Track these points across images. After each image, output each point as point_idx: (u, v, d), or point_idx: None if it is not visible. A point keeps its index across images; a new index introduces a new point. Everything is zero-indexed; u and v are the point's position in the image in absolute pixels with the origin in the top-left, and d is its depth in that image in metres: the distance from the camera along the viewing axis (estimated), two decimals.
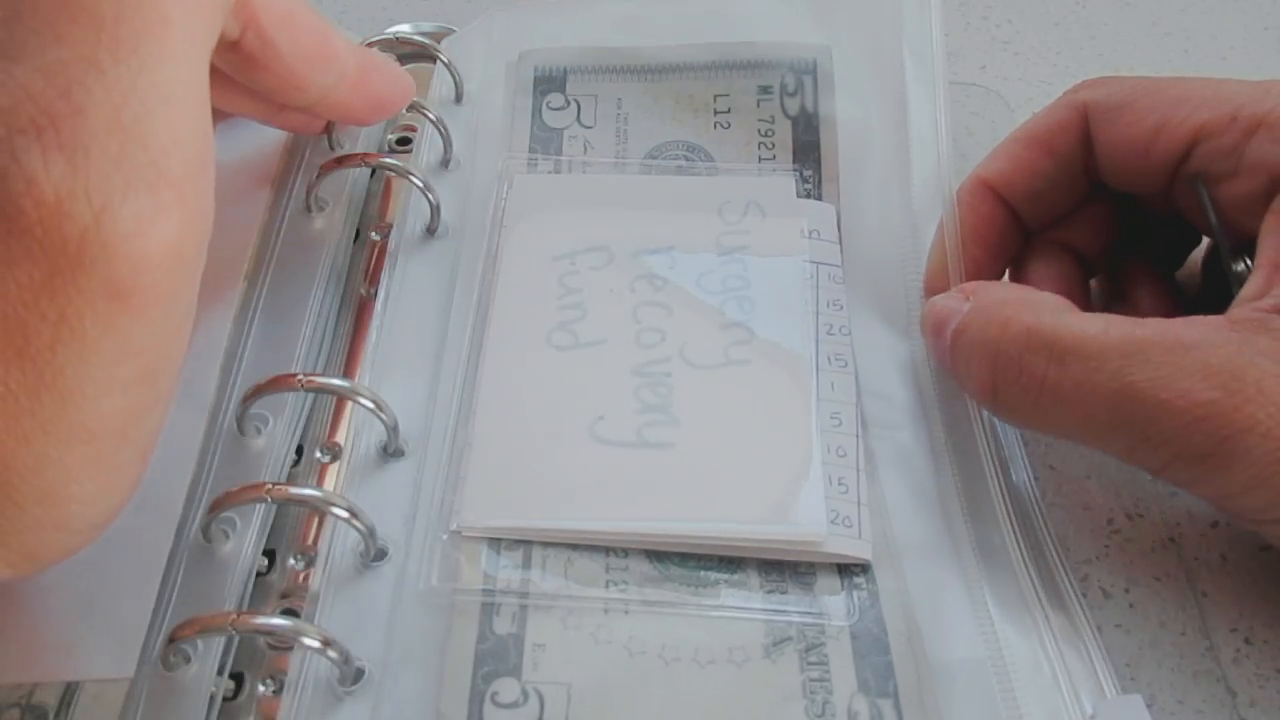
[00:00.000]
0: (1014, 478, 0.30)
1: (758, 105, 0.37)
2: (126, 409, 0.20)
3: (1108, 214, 0.32)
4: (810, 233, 0.34)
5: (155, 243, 0.18)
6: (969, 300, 0.29)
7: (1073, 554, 0.29)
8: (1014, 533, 0.28)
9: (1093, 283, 0.34)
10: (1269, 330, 0.24)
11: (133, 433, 0.21)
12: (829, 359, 0.31)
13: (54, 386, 0.18)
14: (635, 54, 0.38)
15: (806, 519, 0.28)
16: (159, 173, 0.18)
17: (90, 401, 0.19)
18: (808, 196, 0.35)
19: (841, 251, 0.34)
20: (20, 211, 0.17)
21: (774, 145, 0.36)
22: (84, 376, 0.19)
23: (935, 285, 0.32)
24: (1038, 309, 0.28)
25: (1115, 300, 0.33)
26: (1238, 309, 0.25)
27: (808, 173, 0.36)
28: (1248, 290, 0.26)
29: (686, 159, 0.36)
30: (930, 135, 0.35)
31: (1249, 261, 0.28)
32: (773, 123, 0.37)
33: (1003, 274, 0.33)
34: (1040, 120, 0.32)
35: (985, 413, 0.30)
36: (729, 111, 0.37)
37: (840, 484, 0.29)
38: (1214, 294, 0.29)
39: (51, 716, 0.25)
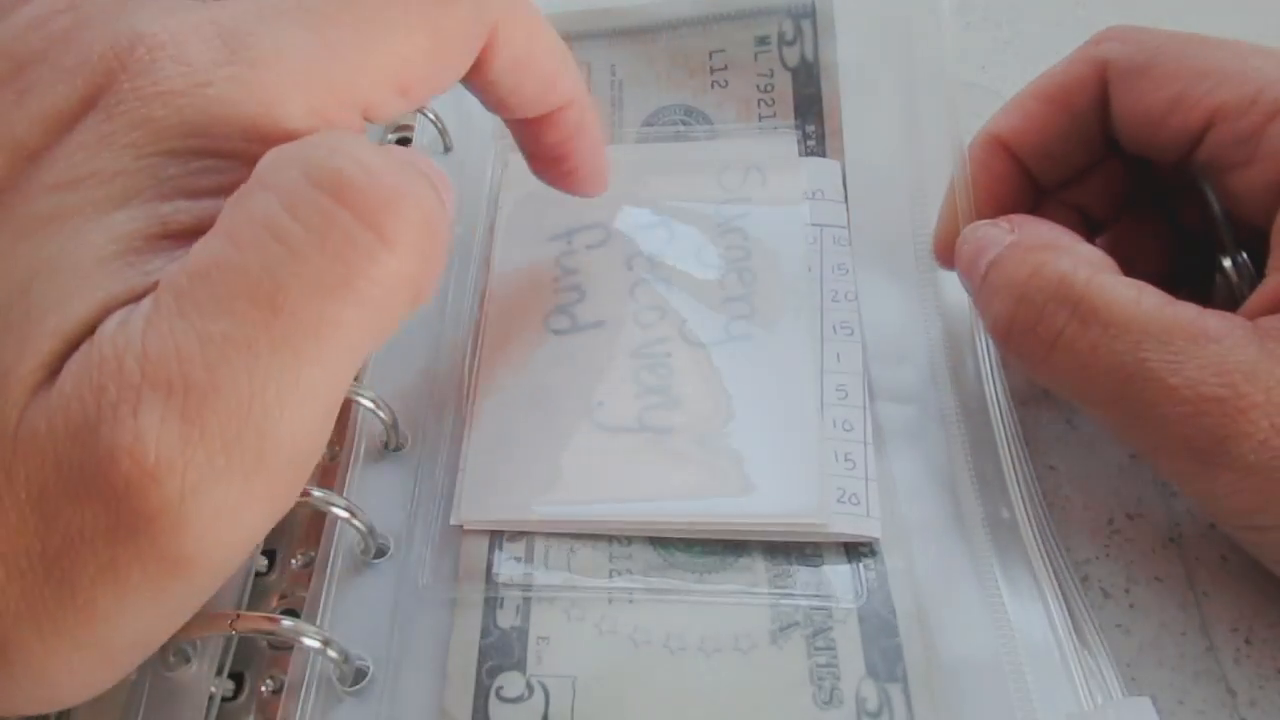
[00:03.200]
0: (1023, 459, 0.29)
1: (755, 59, 0.36)
2: (147, 634, 0.20)
3: (1122, 175, 0.31)
4: (813, 193, 0.33)
5: (229, 531, 0.18)
6: (1013, 232, 0.28)
7: (1073, 554, 0.28)
8: (1025, 508, 0.28)
9: (1097, 241, 0.32)
10: None
11: (145, 649, 0.21)
12: (834, 328, 0.31)
13: (84, 609, 0.18)
14: (626, 14, 0.36)
15: (812, 498, 0.27)
16: (262, 465, 0.18)
17: (115, 628, 0.19)
18: (810, 154, 0.34)
19: (848, 211, 0.33)
20: (115, 463, 0.17)
21: (774, 101, 0.35)
22: (115, 610, 0.18)
23: (946, 245, 0.31)
24: (1076, 260, 0.27)
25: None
26: (1267, 319, 0.25)
27: (810, 128, 0.35)
28: (1264, 295, 0.25)
29: (684, 123, 0.35)
30: (937, 77, 0.34)
31: (1244, 256, 0.28)
32: (772, 77, 0.36)
33: None
34: (1058, 75, 0.30)
35: (999, 383, 0.30)
36: (726, 69, 0.36)
37: (847, 460, 0.28)
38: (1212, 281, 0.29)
39: (53, 717, 0.25)
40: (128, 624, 0.19)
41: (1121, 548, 0.29)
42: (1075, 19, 0.43)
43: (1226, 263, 0.28)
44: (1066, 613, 0.26)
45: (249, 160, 0.19)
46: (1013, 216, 0.29)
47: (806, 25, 0.36)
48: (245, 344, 0.17)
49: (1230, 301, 0.27)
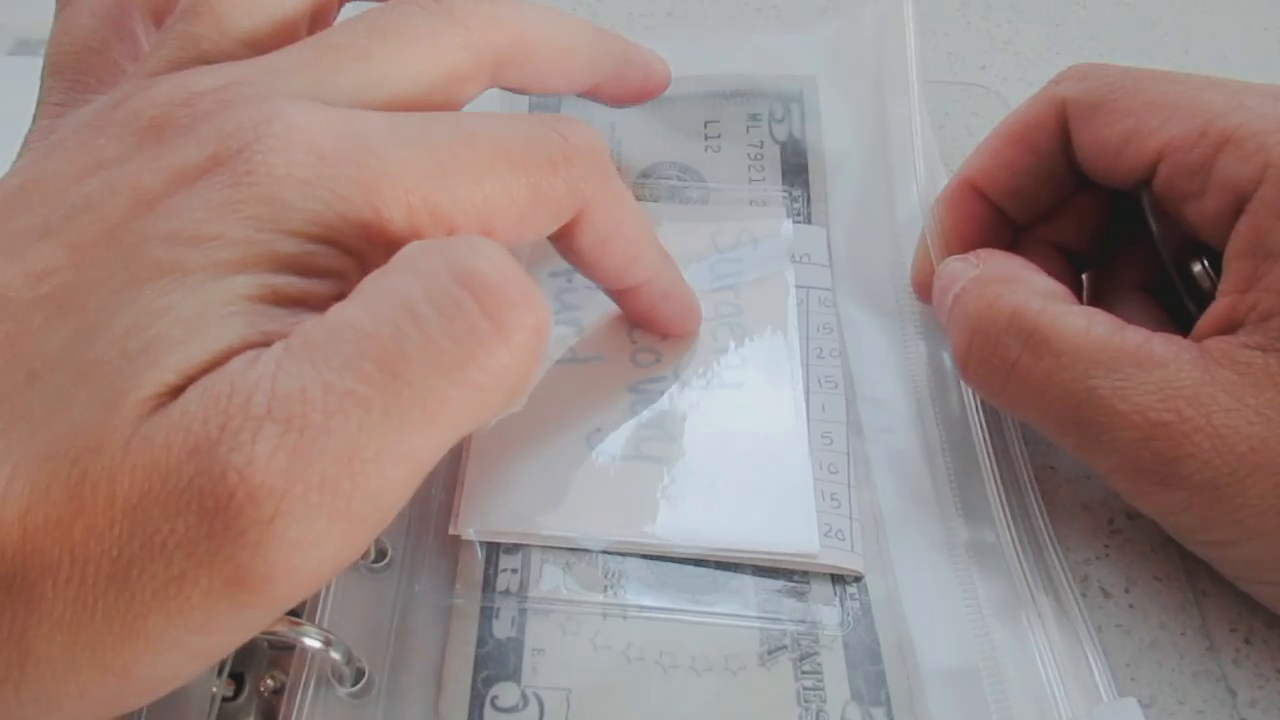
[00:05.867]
0: (1014, 477, 0.30)
1: (747, 131, 0.38)
2: (173, 669, 0.20)
3: (1098, 206, 0.32)
4: (800, 258, 0.35)
5: (300, 564, 0.19)
6: (978, 266, 0.29)
7: (1073, 554, 0.29)
8: (1010, 531, 0.29)
9: (1084, 277, 0.33)
10: (1235, 364, 0.25)
11: (164, 687, 0.21)
12: (819, 381, 0.32)
13: (129, 626, 0.19)
14: None
15: (800, 534, 0.28)
16: (348, 512, 0.19)
17: (150, 652, 0.19)
18: (797, 218, 0.36)
19: (832, 274, 0.35)
20: (224, 478, 0.18)
21: (764, 168, 0.37)
22: (160, 630, 0.19)
23: (923, 280, 0.33)
24: (1030, 291, 0.28)
25: (1104, 287, 0.33)
26: (1212, 341, 0.26)
27: (797, 193, 0.37)
28: (1212, 317, 0.27)
29: (679, 180, 0.37)
30: (910, 159, 0.36)
31: (1205, 263, 0.29)
32: (762, 147, 0.38)
33: None
34: (1020, 116, 0.32)
35: (983, 413, 0.31)
36: (720, 136, 0.38)
37: (833, 499, 0.29)
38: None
39: None
40: (161, 654, 0.19)
41: (1121, 548, 0.29)
42: (1075, 19, 0.44)
43: (1196, 267, 0.29)
44: (1054, 628, 0.27)
45: (351, 252, 0.22)
46: (981, 251, 0.30)
47: (795, 108, 0.38)
48: (363, 400, 0.19)
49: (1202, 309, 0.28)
